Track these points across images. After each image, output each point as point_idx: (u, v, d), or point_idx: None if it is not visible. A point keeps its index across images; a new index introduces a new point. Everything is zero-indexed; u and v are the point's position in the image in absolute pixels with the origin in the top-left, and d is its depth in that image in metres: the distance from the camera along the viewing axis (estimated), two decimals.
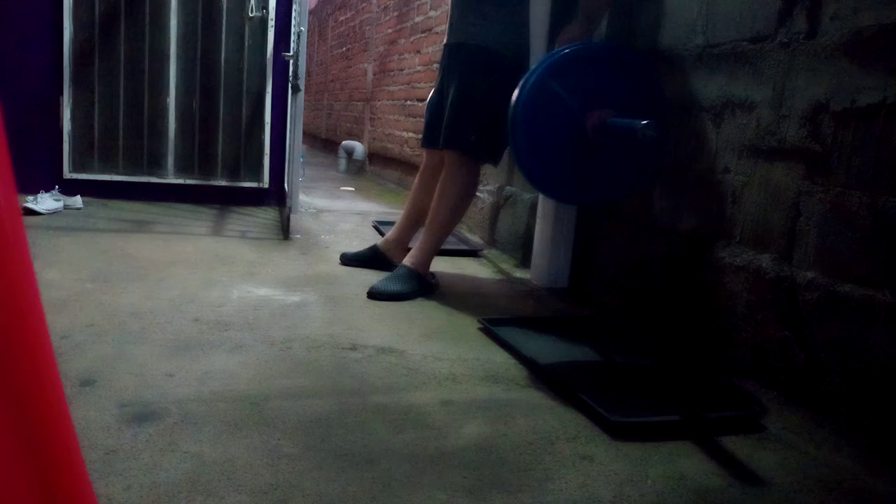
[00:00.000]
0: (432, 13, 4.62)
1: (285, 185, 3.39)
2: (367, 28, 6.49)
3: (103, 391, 1.38)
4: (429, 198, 2.45)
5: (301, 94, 3.12)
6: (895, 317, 1.36)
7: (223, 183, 3.81)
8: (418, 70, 4.87)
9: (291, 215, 3.16)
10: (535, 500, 1.12)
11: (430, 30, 4.65)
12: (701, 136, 1.91)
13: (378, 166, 5.89)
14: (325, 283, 2.36)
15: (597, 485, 1.17)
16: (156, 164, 3.73)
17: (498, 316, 2.07)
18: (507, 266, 2.85)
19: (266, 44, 3.74)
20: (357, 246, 2.80)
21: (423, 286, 2.31)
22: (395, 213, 3.44)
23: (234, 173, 3.83)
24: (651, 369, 1.76)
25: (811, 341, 1.54)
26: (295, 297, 2.16)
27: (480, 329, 1.97)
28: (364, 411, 1.39)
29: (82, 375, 1.45)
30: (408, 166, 4.95)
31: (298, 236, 3.12)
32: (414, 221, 2.61)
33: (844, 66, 1.48)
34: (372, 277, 2.37)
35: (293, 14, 3.32)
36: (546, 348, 1.84)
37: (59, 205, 3.28)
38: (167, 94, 3.68)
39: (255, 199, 3.86)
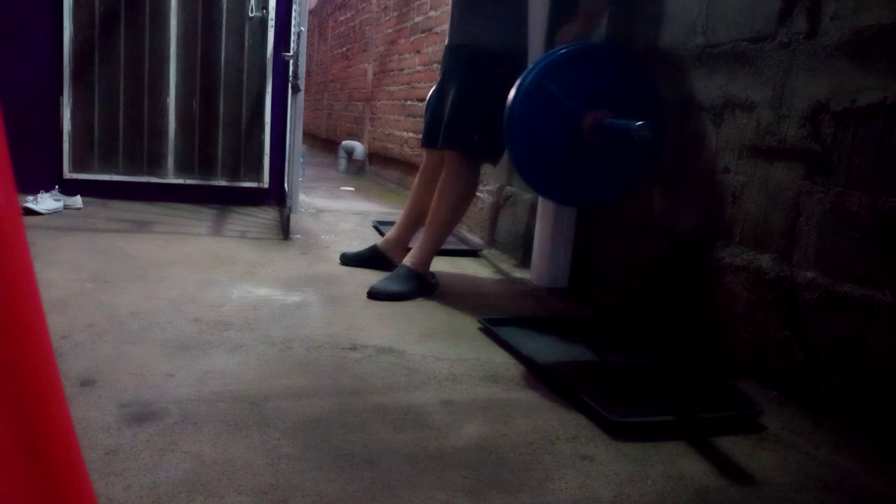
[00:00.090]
0: (432, 13, 4.62)
1: (285, 185, 3.39)
2: (367, 28, 6.49)
3: (103, 391, 1.38)
4: (429, 198, 2.45)
5: (301, 94, 3.12)
6: (895, 317, 1.36)
7: (223, 183, 3.81)
8: (418, 70, 4.86)
9: (291, 215, 3.16)
10: (535, 500, 1.12)
11: (430, 30, 4.65)
12: (701, 136, 1.91)
13: (378, 166, 5.89)
14: (325, 283, 2.36)
15: (597, 485, 1.17)
16: (156, 164, 3.73)
17: (498, 316, 2.07)
18: (507, 266, 2.85)
19: (266, 44, 3.74)
20: (357, 246, 2.80)
21: (423, 286, 2.31)
22: (395, 213, 3.43)
23: (233, 173, 3.83)
24: (651, 369, 1.76)
25: (811, 341, 1.54)
26: (295, 297, 2.16)
27: (480, 329, 1.97)
28: (364, 411, 1.39)
29: (82, 375, 1.45)
30: (408, 166, 4.94)
31: (298, 236, 3.12)
32: (414, 221, 2.61)
33: (844, 66, 1.48)
34: (372, 277, 2.37)
35: (293, 14, 3.32)
36: (546, 348, 1.84)
37: (59, 205, 3.28)
38: (167, 94, 3.68)
39: (255, 199, 3.86)
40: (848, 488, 1.23)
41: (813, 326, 1.54)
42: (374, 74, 6.15)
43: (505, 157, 2.54)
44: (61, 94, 3.55)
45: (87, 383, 1.41)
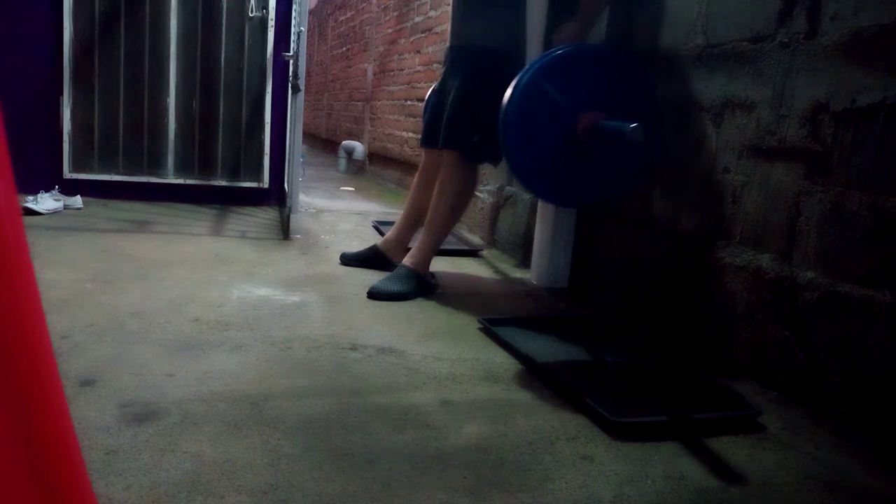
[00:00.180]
0: (432, 13, 4.62)
1: (285, 185, 3.39)
2: (367, 28, 6.49)
3: (103, 391, 1.38)
4: (428, 197, 2.45)
5: (301, 94, 3.12)
6: (895, 317, 1.36)
7: (223, 183, 3.81)
8: (418, 70, 4.86)
9: (291, 215, 3.16)
10: (535, 500, 1.12)
11: (430, 30, 4.65)
12: (701, 136, 1.91)
13: (378, 166, 5.89)
14: (325, 283, 2.36)
15: (597, 485, 1.17)
16: (156, 164, 3.73)
17: (498, 316, 2.07)
18: (507, 266, 2.85)
19: (266, 44, 3.74)
20: (357, 246, 2.80)
21: (422, 286, 2.31)
22: (395, 213, 3.44)
23: (233, 173, 3.83)
24: (651, 369, 1.76)
25: (811, 341, 1.54)
26: (295, 297, 2.16)
27: (480, 329, 1.97)
28: (364, 411, 1.39)
29: (82, 375, 1.45)
30: (408, 166, 4.94)
31: (298, 236, 3.12)
32: (413, 221, 2.61)
33: (844, 66, 1.48)
34: (372, 277, 2.37)
35: (293, 14, 3.32)
36: (546, 348, 1.84)
37: (59, 205, 3.28)
38: (167, 94, 3.68)
39: (255, 199, 3.86)
40: (848, 488, 1.23)
41: (813, 326, 1.54)
42: (374, 74, 6.15)
43: None
44: (61, 94, 3.55)
45: (87, 383, 1.41)
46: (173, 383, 1.45)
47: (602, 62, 2.08)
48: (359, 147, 6.20)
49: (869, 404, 1.40)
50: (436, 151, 2.48)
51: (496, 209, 3.17)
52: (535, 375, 1.65)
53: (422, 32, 4.80)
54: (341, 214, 3.88)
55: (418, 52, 4.87)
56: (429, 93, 2.63)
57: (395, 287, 2.25)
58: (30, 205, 3.15)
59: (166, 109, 3.69)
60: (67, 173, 3.60)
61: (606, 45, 2.34)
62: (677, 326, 1.97)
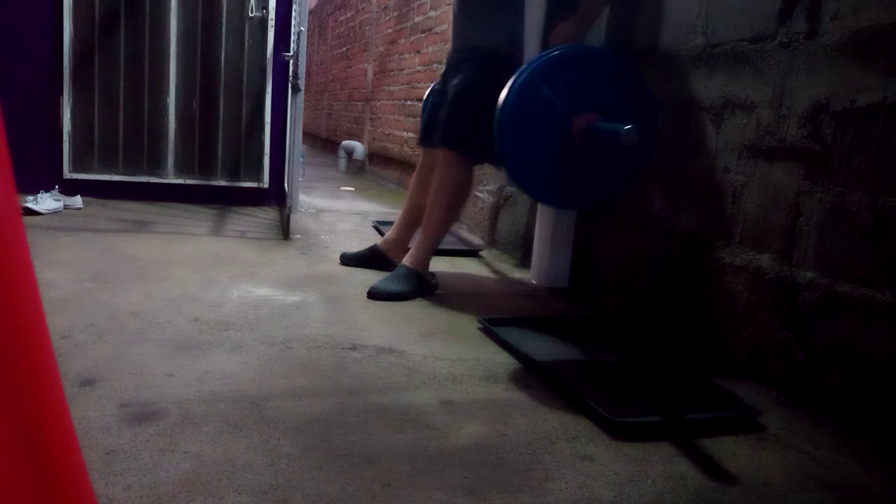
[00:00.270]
0: (432, 13, 4.62)
1: (285, 185, 3.39)
2: (367, 28, 6.49)
3: (103, 391, 1.38)
4: (426, 196, 2.44)
5: (301, 94, 3.12)
6: (895, 317, 1.36)
7: (223, 183, 3.81)
8: (418, 70, 4.87)
9: (291, 215, 3.16)
10: (535, 500, 1.12)
11: (430, 30, 4.65)
12: (701, 136, 1.91)
13: (378, 166, 5.89)
14: (325, 283, 2.36)
15: (597, 485, 1.17)
16: (156, 164, 3.73)
17: (498, 316, 2.07)
18: (507, 266, 2.85)
19: (266, 44, 3.74)
20: (357, 246, 2.80)
21: (422, 286, 2.31)
22: (395, 213, 3.43)
23: (233, 173, 3.83)
24: (651, 369, 1.76)
25: (811, 341, 1.54)
26: (295, 297, 2.16)
27: (480, 329, 1.97)
28: (364, 411, 1.39)
29: (82, 375, 1.45)
30: (408, 166, 4.94)
31: (298, 236, 3.12)
32: (413, 221, 2.61)
33: (844, 66, 1.48)
34: (372, 277, 2.37)
35: (293, 14, 3.32)
36: (546, 348, 1.84)
37: (59, 205, 3.28)
38: (167, 94, 3.68)
39: (255, 199, 3.86)
40: (848, 488, 1.23)
41: (813, 326, 1.54)
42: (374, 74, 6.15)
43: None
44: (61, 94, 3.55)
45: (87, 383, 1.41)
46: (173, 383, 1.45)
47: (598, 64, 2.07)
48: (359, 147, 6.20)
49: (869, 404, 1.40)
50: (432, 150, 2.48)
51: (496, 209, 3.17)
52: (535, 375, 1.65)
53: (422, 32, 4.80)
54: (341, 214, 3.88)
55: (418, 52, 4.87)
56: (427, 92, 2.63)
57: (394, 287, 2.25)
58: (30, 205, 3.15)
59: (166, 109, 3.69)
60: (67, 173, 3.60)
61: (605, 45, 2.34)
62: (677, 326, 1.97)
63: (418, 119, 4.42)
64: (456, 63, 2.40)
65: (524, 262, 2.81)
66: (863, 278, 1.43)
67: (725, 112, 1.82)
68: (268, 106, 3.78)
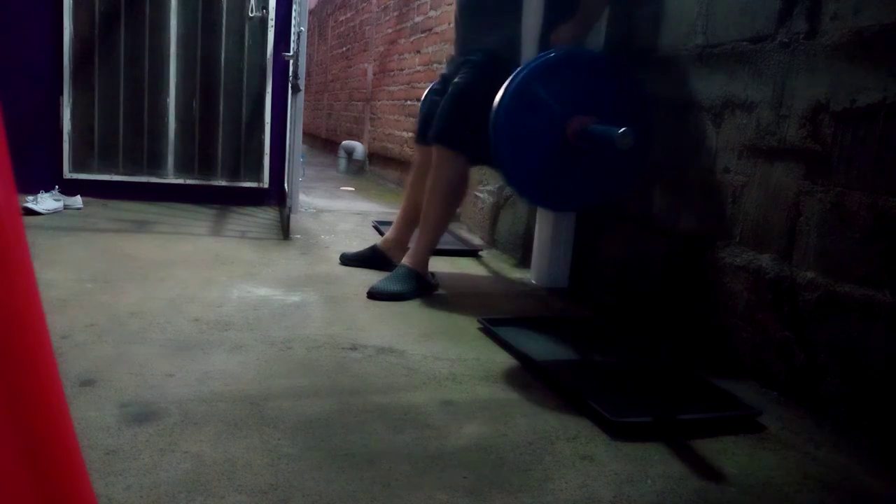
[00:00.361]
0: (432, 13, 4.62)
1: (285, 185, 3.39)
2: (367, 28, 6.49)
3: (103, 391, 1.38)
4: (423, 195, 2.43)
5: (301, 94, 3.12)
6: (895, 317, 1.36)
7: (223, 183, 3.81)
8: (418, 70, 4.87)
9: (291, 215, 3.16)
10: (535, 500, 1.12)
11: (430, 30, 4.65)
12: (701, 136, 1.91)
13: (378, 166, 5.89)
14: (325, 283, 2.36)
15: (597, 485, 1.17)
16: (156, 164, 3.73)
17: (498, 316, 2.07)
18: (507, 266, 2.85)
19: (266, 44, 3.74)
20: (357, 246, 2.80)
21: (422, 286, 2.31)
22: (395, 212, 3.42)
23: (233, 173, 3.83)
24: (651, 369, 1.76)
25: (811, 341, 1.54)
26: (295, 297, 2.16)
27: (480, 329, 1.97)
28: (364, 411, 1.39)
29: (82, 375, 1.45)
30: (408, 166, 4.93)
31: (298, 236, 3.12)
32: (411, 220, 2.60)
33: (844, 66, 1.48)
34: (372, 277, 2.37)
35: (293, 14, 3.32)
36: (546, 348, 1.84)
37: (59, 205, 3.28)
38: (167, 94, 3.68)
39: (255, 199, 3.86)
40: (848, 488, 1.23)
41: (813, 326, 1.54)
42: (374, 74, 6.15)
43: None
44: (61, 94, 3.55)
45: (87, 383, 1.41)
46: (173, 383, 1.45)
47: (593, 66, 2.07)
48: (359, 147, 6.20)
49: (869, 404, 1.40)
50: (428, 148, 2.46)
51: (496, 209, 3.17)
52: (535, 375, 1.65)
53: (422, 32, 4.80)
54: (341, 214, 3.88)
55: (418, 52, 4.87)
56: (426, 92, 2.63)
57: (394, 287, 2.25)
58: (30, 205, 3.15)
59: (166, 109, 3.69)
60: (67, 173, 3.60)
61: (605, 46, 2.34)
62: (677, 326, 1.97)
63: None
64: (458, 65, 2.39)
65: (524, 262, 2.81)
66: (863, 278, 1.43)
67: (725, 112, 1.82)
68: (268, 106, 3.78)
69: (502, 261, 2.94)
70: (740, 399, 1.54)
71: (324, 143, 8.55)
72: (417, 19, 4.91)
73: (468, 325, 2.01)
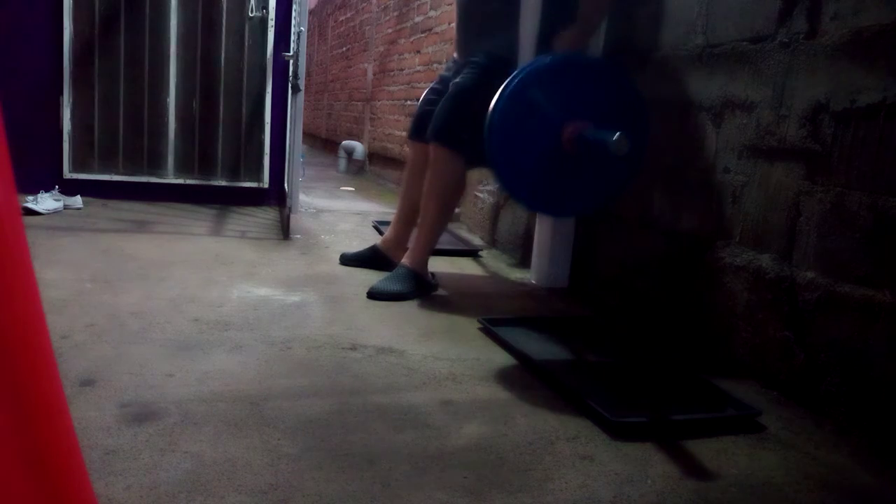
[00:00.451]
0: (432, 13, 4.62)
1: (285, 185, 3.39)
2: (367, 28, 6.49)
3: (103, 391, 1.38)
4: (419, 193, 2.42)
5: (301, 94, 3.12)
6: (895, 317, 1.36)
7: (223, 183, 3.81)
8: (418, 70, 4.87)
9: (291, 215, 3.16)
10: (535, 500, 1.12)
11: (430, 30, 4.65)
12: (701, 136, 1.91)
13: (378, 166, 5.90)
14: (325, 283, 2.36)
15: (597, 485, 1.17)
16: (156, 164, 3.73)
17: (498, 316, 2.07)
18: (507, 266, 2.85)
19: (266, 44, 3.74)
20: (357, 246, 2.80)
21: (422, 286, 2.31)
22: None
23: (233, 173, 3.83)
24: (651, 369, 1.76)
25: (811, 341, 1.54)
26: (295, 297, 2.16)
27: (480, 329, 1.97)
28: (364, 411, 1.39)
29: (82, 375, 1.45)
30: None
31: (298, 236, 3.12)
32: (410, 219, 2.59)
33: (844, 66, 1.48)
34: (372, 277, 2.37)
35: (293, 14, 3.32)
36: (546, 348, 1.84)
37: (59, 205, 3.28)
38: (167, 94, 3.68)
39: (254, 199, 3.86)
40: (848, 488, 1.23)
41: (813, 326, 1.54)
42: (374, 74, 6.15)
43: None
44: (61, 94, 3.55)
45: (87, 383, 1.41)
46: (173, 383, 1.45)
47: (590, 71, 2.06)
48: (359, 147, 6.20)
49: (869, 404, 1.40)
50: (423, 146, 2.46)
51: (496, 209, 3.17)
52: (535, 375, 1.65)
53: (422, 32, 4.80)
54: (341, 214, 3.88)
55: (418, 52, 4.87)
56: (425, 92, 2.62)
57: (394, 287, 2.25)
58: (30, 205, 3.15)
59: (166, 109, 3.69)
60: (67, 173, 3.60)
61: (605, 46, 2.33)
62: (677, 326, 1.97)
63: None
64: (460, 66, 2.39)
65: (524, 262, 2.81)
66: (863, 278, 1.43)
67: (725, 112, 1.82)
68: (268, 106, 3.78)
69: (502, 261, 2.94)
70: (740, 399, 1.54)
71: (324, 143, 8.55)
72: (417, 19, 4.91)
73: (468, 325, 2.01)
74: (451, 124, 2.28)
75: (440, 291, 2.36)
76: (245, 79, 3.76)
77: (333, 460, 1.19)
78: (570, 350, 1.87)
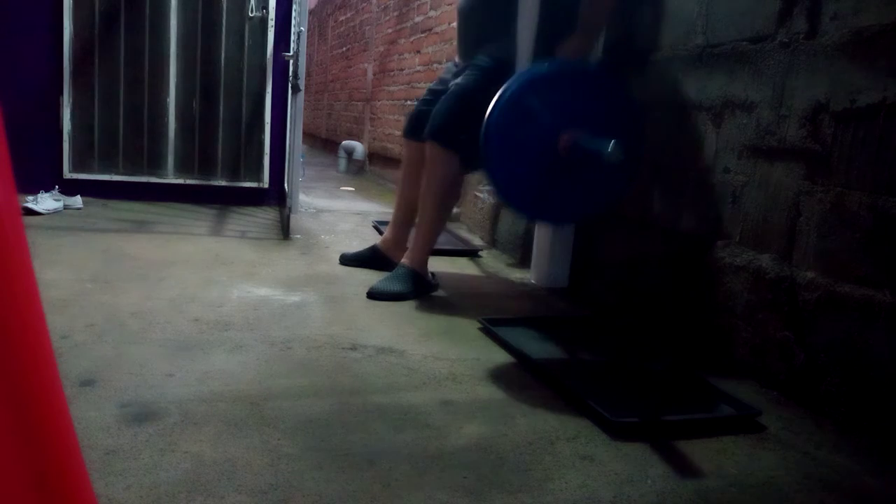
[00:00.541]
0: (432, 13, 4.62)
1: (285, 185, 3.39)
2: (367, 28, 6.49)
3: (103, 391, 1.38)
4: (416, 191, 2.41)
5: (301, 94, 3.12)
6: (895, 317, 1.36)
7: (223, 183, 3.81)
8: (418, 70, 4.87)
9: (291, 215, 3.16)
10: (535, 500, 1.12)
11: (430, 30, 4.65)
12: (701, 136, 1.91)
13: (378, 166, 5.90)
14: (325, 283, 2.36)
15: (597, 485, 1.17)
16: (156, 164, 3.73)
17: (498, 316, 2.07)
18: (508, 266, 2.85)
19: (266, 44, 3.74)
20: (357, 246, 2.80)
21: (422, 286, 2.31)
22: None
23: (234, 173, 3.83)
24: (651, 369, 1.76)
25: (811, 341, 1.54)
26: (295, 297, 2.16)
27: (480, 329, 1.97)
28: (364, 411, 1.39)
29: (82, 375, 1.45)
30: None
31: (298, 236, 3.12)
32: (408, 219, 2.58)
33: (844, 66, 1.48)
34: (372, 277, 2.37)
35: (293, 14, 3.32)
36: (546, 348, 1.84)
37: (59, 205, 3.28)
38: (167, 94, 3.68)
39: (255, 199, 3.86)
40: (848, 488, 1.23)
41: (813, 326, 1.54)
42: (374, 74, 6.15)
43: None
44: (61, 94, 3.55)
45: (87, 383, 1.41)
46: (173, 383, 1.45)
47: (587, 80, 2.04)
48: (359, 147, 6.20)
49: (869, 404, 1.40)
50: (418, 144, 2.45)
51: (496, 209, 3.17)
52: (535, 375, 1.65)
53: (422, 32, 4.80)
54: (341, 214, 3.88)
55: (418, 52, 4.87)
56: (426, 91, 2.62)
57: (394, 287, 2.25)
58: (30, 205, 3.16)
59: (166, 109, 3.69)
60: (67, 173, 3.60)
61: (604, 48, 2.33)
62: (677, 326, 1.97)
63: None
64: (460, 69, 2.39)
65: (524, 262, 2.81)
66: (863, 278, 1.43)
67: (725, 112, 1.82)
68: (268, 106, 3.78)
69: (502, 261, 2.94)
70: (740, 399, 1.54)
71: (324, 143, 8.55)
72: (417, 19, 4.91)
73: (468, 325, 2.01)
74: (449, 124, 2.27)
75: (440, 291, 2.36)
76: (245, 79, 3.76)
77: (333, 460, 1.19)
78: (570, 350, 1.87)
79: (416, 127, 2.47)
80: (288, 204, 3.20)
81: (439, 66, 4.38)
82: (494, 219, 3.19)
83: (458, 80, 2.33)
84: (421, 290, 2.29)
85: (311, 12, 8.97)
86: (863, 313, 1.42)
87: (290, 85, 3.19)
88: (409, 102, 5.00)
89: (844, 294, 1.47)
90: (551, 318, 2.16)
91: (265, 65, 3.75)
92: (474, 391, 1.54)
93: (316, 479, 1.13)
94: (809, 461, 1.31)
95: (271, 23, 3.71)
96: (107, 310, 1.89)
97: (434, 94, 2.44)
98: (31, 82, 3.53)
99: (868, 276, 1.42)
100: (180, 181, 3.76)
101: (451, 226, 3.52)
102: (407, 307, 2.16)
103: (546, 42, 2.21)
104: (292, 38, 3.25)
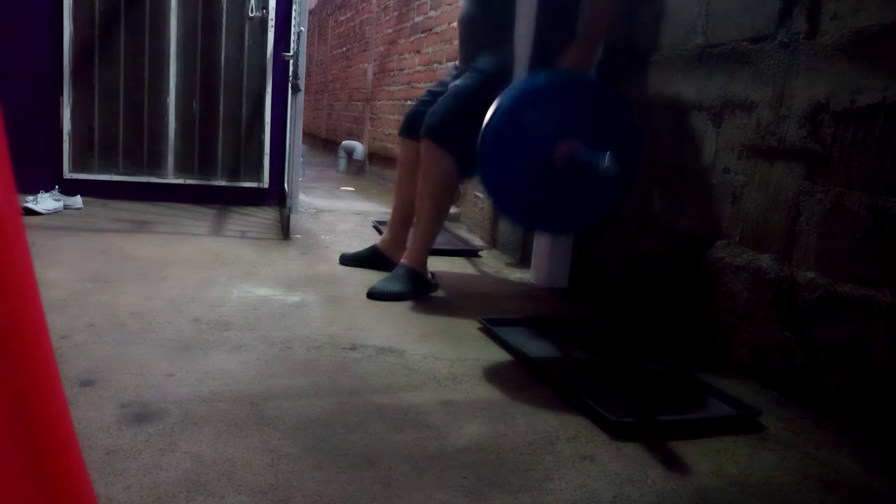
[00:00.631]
0: (432, 13, 4.62)
1: (285, 185, 3.39)
2: (367, 28, 6.49)
3: (103, 391, 1.38)
4: (413, 191, 2.41)
5: (301, 94, 3.12)
6: (895, 317, 1.36)
7: (223, 183, 3.82)
8: (418, 70, 4.87)
9: (291, 215, 3.16)
10: (535, 500, 1.12)
11: (430, 30, 4.65)
12: (701, 136, 1.91)
13: (378, 166, 5.90)
14: (325, 283, 2.36)
15: (597, 485, 1.17)
16: (156, 164, 3.73)
17: (498, 316, 2.07)
18: (507, 266, 2.85)
19: (266, 44, 3.74)
20: (357, 246, 2.80)
21: (422, 286, 2.31)
22: None
23: (233, 173, 3.83)
24: (651, 369, 1.76)
25: (811, 341, 1.54)
26: (295, 297, 2.16)
27: (480, 329, 1.97)
28: (364, 411, 1.39)
29: (82, 375, 1.45)
30: None
31: (298, 236, 3.12)
32: (406, 218, 2.58)
33: (844, 66, 1.48)
34: (372, 277, 2.37)
35: (293, 14, 3.32)
36: (546, 348, 1.84)
37: (59, 205, 3.28)
38: (167, 94, 3.68)
39: (254, 199, 3.86)
40: (848, 488, 1.23)
41: (813, 326, 1.54)
42: (374, 74, 6.15)
43: None
44: (61, 94, 3.55)
45: (87, 383, 1.41)
46: (173, 383, 1.45)
47: (585, 92, 2.04)
48: (359, 147, 6.20)
49: (869, 404, 1.40)
50: (414, 144, 2.44)
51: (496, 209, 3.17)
52: (535, 375, 1.65)
53: (422, 32, 4.80)
54: (341, 214, 3.88)
55: (418, 52, 4.87)
56: (425, 91, 2.62)
57: (394, 287, 2.25)
58: (30, 205, 3.16)
59: (166, 109, 3.69)
60: (67, 173, 3.60)
61: (604, 48, 2.33)
62: (677, 326, 1.97)
63: None
64: (461, 71, 2.38)
65: (524, 262, 2.81)
66: (863, 278, 1.43)
67: (725, 112, 1.82)
68: (268, 106, 3.78)
69: (502, 261, 2.94)
70: (740, 399, 1.54)
71: (324, 143, 8.55)
72: (417, 19, 4.92)
73: (468, 325, 2.01)
74: (445, 123, 2.26)
75: (440, 291, 2.36)
76: (245, 79, 3.76)
77: (333, 460, 1.19)
78: (569, 350, 1.87)
79: (412, 126, 2.47)
80: (288, 204, 3.21)
81: (439, 66, 4.38)
82: (494, 219, 3.19)
83: (457, 81, 2.33)
84: (420, 289, 2.29)
85: (311, 12, 8.97)
86: (863, 313, 1.42)
87: (290, 85, 3.19)
88: (409, 102, 5.00)
89: (844, 294, 1.47)
90: (551, 318, 2.16)
91: (265, 65, 3.75)
92: (474, 391, 1.54)
93: (316, 479, 1.13)
94: (809, 461, 1.31)
95: (271, 23, 3.71)
96: (107, 310, 1.89)
97: (433, 95, 2.44)
98: (32, 82, 3.53)
99: (868, 276, 1.42)
100: (180, 181, 3.76)
101: (450, 226, 3.52)
102: (407, 307, 2.16)
103: (544, 51, 2.20)
104: (292, 38, 3.25)
